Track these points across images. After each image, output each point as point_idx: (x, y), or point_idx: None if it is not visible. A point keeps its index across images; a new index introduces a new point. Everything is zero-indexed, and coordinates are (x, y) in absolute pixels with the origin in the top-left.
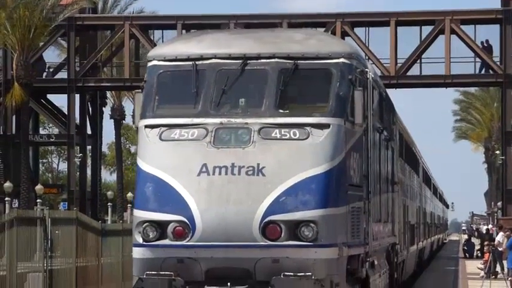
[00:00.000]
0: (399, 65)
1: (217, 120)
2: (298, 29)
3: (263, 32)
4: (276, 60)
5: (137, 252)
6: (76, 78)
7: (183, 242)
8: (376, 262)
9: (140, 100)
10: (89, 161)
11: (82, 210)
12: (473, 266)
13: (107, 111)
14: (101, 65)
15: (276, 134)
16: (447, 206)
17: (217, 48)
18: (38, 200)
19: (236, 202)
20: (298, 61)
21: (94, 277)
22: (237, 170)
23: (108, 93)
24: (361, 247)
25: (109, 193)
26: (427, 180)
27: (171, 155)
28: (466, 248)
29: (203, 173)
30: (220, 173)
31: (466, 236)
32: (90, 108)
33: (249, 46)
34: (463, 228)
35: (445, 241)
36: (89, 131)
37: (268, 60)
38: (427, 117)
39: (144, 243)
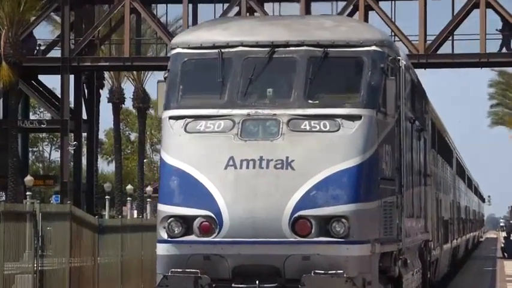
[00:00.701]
0: (429, 42)
1: (244, 112)
2: (328, 16)
3: (291, 18)
4: (305, 48)
5: (161, 249)
6: (70, 57)
7: (210, 238)
8: (409, 260)
9: (163, 90)
10: (84, 150)
11: (76, 203)
12: None
13: (104, 94)
14: (99, 43)
15: (305, 125)
16: (483, 200)
17: (243, 36)
18: (27, 193)
19: (264, 196)
20: (328, 49)
21: (89, 279)
22: (265, 164)
23: (106, 74)
24: (393, 244)
25: (106, 185)
26: (461, 171)
27: (197, 148)
28: (504, 246)
29: (230, 167)
30: (247, 167)
31: (504, 233)
32: (85, 91)
33: (277, 33)
34: (502, 224)
35: (481, 239)
36: (84, 116)
37: (297, 48)
38: (460, 101)
39: (169, 239)
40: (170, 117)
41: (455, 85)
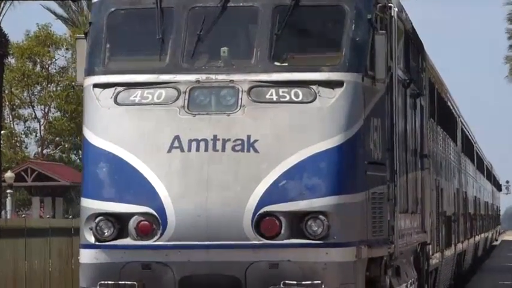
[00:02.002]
0: None
1: (191, 78)
2: None
3: None
4: None
5: (87, 256)
6: None
7: (150, 242)
8: (402, 268)
9: (84, 49)
10: None
11: None
12: None
13: None
14: None
15: (271, 95)
16: (499, 188)
17: None
18: None
19: (220, 188)
20: None
21: None
22: (221, 145)
23: None
24: (384, 247)
25: None
26: (469, 148)
27: (132, 125)
28: None
29: (175, 149)
30: (198, 149)
31: None
32: None
33: None
34: None
35: (495, 242)
36: None
37: None
38: (464, 43)
39: (97, 243)
40: (95, 85)
41: (461, 20)
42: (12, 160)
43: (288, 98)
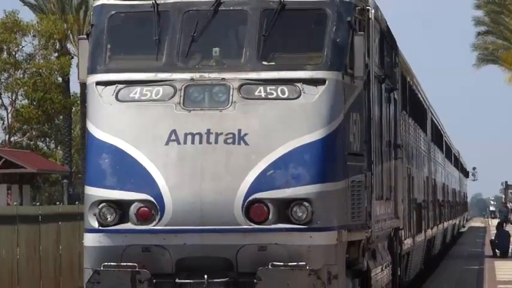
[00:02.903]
0: None
1: (186, 76)
2: None
3: None
4: None
5: (91, 239)
6: None
7: (149, 226)
8: (377, 252)
9: (86, 49)
10: None
11: None
12: (509, 269)
13: None
14: None
15: (259, 92)
16: (466, 174)
17: None
18: None
19: (213, 177)
20: None
21: None
22: (214, 138)
23: None
24: (362, 231)
25: None
26: (438, 137)
27: (132, 119)
28: (496, 240)
29: (172, 142)
30: (193, 142)
31: (496, 221)
32: None
33: None
34: (492, 209)
35: (462, 229)
36: None
37: None
38: (434, 30)
39: (100, 228)
40: (98, 83)
41: (428, 6)
42: None
43: (275, 95)
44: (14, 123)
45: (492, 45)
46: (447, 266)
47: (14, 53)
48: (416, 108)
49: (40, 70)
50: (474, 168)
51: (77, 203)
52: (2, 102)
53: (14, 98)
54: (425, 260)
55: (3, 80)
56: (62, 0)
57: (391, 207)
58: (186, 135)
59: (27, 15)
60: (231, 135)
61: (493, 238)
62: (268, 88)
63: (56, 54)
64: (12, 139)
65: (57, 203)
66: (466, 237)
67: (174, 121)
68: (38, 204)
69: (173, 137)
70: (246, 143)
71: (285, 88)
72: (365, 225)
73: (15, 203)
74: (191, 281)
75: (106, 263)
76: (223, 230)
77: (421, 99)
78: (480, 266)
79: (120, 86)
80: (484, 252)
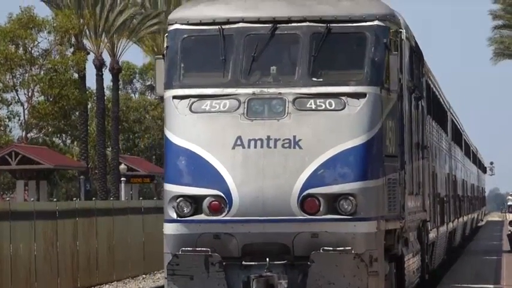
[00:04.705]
0: None
1: (249, 91)
2: None
3: None
4: (308, 23)
5: (170, 228)
6: None
7: (220, 217)
8: (409, 240)
9: (162, 67)
10: None
11: None
12: None
13: None
14: None
15: (311, 104)
16: (484, 170)
17: (244, 11)
18: None
19: (273, 176)
20: (331, 24)
21: None
22: (273, 143)
23: None
24: (397, 221)
25: None
26: (457, 136)
27: (204, 128)
28: None
29: (238, 146)
30: (255, 146)
31: None
32: None
33: (279, 9)
34: (510, 203)
35: (480, 223)
36: None
37: (299, 24)
38: (450, 25)
39: (178, 218)
40: (174, 97)
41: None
42: None
43: (323, 107)
44: (30, 119)
45: (509, 39)
46: (466, 259)
47: (29, 49)
48: (439, 112)
49: (56, 66)
50: (491, 163)
51: (93, 198)
52: (19, 98)
53: (30, 94)
54: (448, 250)
55: (18, 76)
56: None
57: (420, 201)
58: (249, 140)
59: (44, 11)
60: (287, 141)
61: (510, 232)
62: (317, 101)
63: (72, 50)
64: (28, 135)
65: (74, 198)
66: (483, 231)
67: (239, 129)
68: (55, 200)
69: (239, 142)
70: (300, 147)
71: (332, 101)
72: (399, 216)
73: (32, 199)
74: (255, 263)
75: (183, 248)
76: (282, 220)
77: (442, 102)
78: (497, 260)
79: (193, 99)
80: (501, 247)
